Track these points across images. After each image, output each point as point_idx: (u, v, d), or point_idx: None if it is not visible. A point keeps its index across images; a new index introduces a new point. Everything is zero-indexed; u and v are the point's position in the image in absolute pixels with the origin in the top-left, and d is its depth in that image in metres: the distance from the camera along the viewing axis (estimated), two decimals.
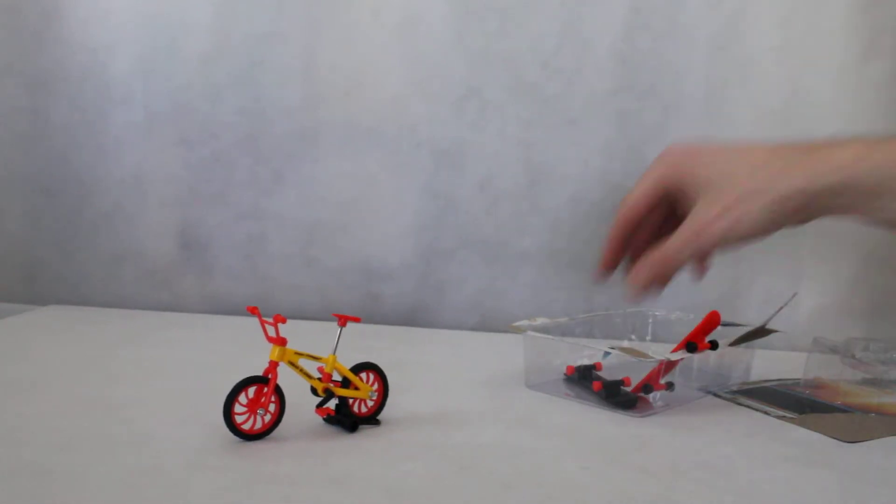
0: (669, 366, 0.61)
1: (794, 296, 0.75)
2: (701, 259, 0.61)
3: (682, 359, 0.61)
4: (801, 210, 0.53)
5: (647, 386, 0.61)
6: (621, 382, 0.61)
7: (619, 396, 0.60)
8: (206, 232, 0.95)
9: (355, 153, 0.91)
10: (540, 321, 0.67)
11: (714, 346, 0.63)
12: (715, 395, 0.64)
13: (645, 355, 0.58)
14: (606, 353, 0.63)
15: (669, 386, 0.61)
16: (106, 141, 0.94)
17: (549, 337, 0.64)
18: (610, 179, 0.88)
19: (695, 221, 0.55)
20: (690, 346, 0.62)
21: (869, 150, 0.52)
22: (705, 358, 0.65)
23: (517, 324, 0.66)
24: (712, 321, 0.65)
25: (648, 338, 0.77)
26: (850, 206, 0.53)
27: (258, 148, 0.92)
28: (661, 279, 0.57)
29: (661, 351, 0.61)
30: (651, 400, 0.61)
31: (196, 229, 0.95)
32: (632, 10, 0.85)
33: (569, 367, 0.66)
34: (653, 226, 0.61)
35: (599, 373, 0.64)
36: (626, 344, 0.74)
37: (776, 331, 0.66)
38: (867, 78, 0.82)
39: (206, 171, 0.93)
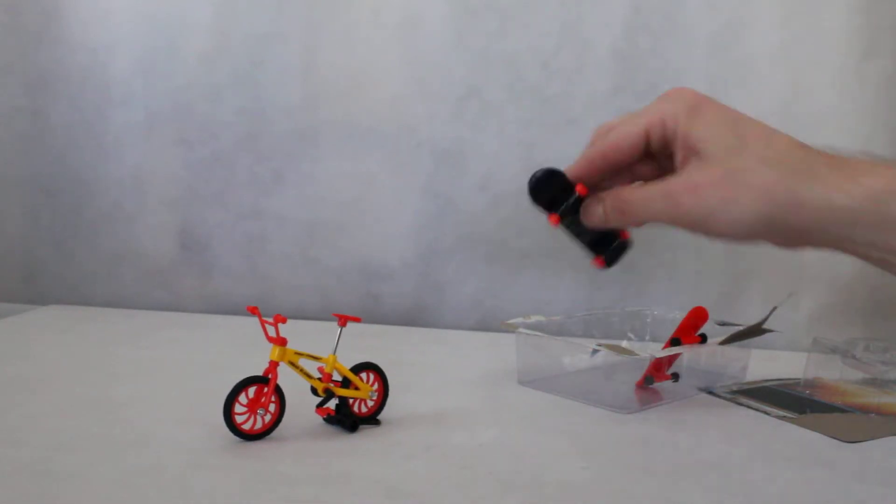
0: (658, 363, 0.62)
1: (790, 296, 0.75)
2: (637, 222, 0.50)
3: (672, 355, 0.61)
4: (802, 229, 0.43)
5: (648, 378, 0.62)
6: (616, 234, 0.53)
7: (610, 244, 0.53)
8: (206, 232, 0.95)
9: (355, 153, 0.91)
10: (535, 319, 0.67)
11: (703, 339, 0.64)
12: (715, 394, 0.64)
13: (632, 353, 0.58)
14: (595, 351, 0.63)
15: (674, 377, 0.62)
16: (106, 141, 0.94)
17: (541, 335, 0.64)
18: None
19: (675, 183, 0.45)
20: (674, 341, 0.62)
21: None
22: (698, 356, 0.66)
23: (510, 321, 0.66)
24: (698, 316, 0.65)
25: (647, 337, 0.77)
26: (865, 236, 0.43)
27: (258, 148, 0.93)
28: (616, 220, 0.50)
29: (658, 349, 0.62)
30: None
31: (196, 229, 0.95)
32: (632, 9, 0.85)
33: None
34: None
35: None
36: (624, 343, 0.75)
37: (771, 330, 0.66)
38: (867, 78, 0.82)
39: (206, 171, 0.93)
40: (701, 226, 0.45)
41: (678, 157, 0.46)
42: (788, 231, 0.43)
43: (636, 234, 0.91)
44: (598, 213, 0.50)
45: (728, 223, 0.43)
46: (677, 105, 0.47)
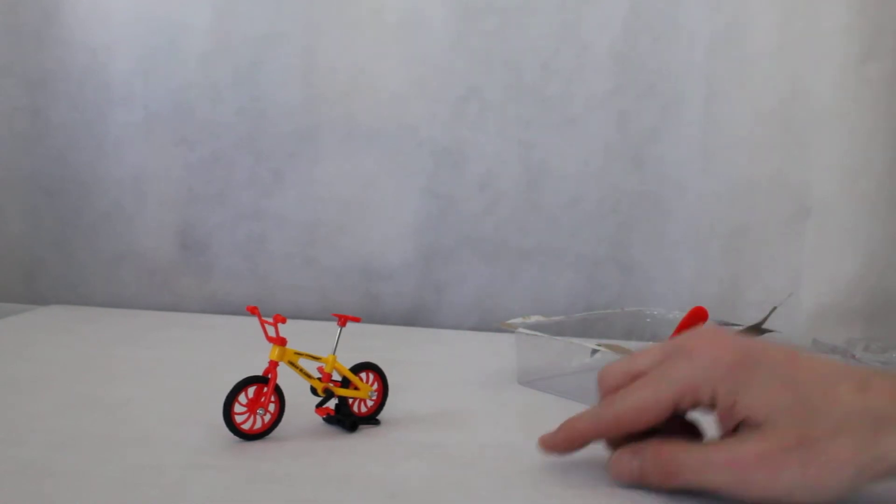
0: None
1: (789, 296, 0.75)
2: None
3: None
4: (886, 476, 0.38)
5: None
6: None
7: None
8: (206, 232, 0.95)
9: (355, 153, 0.92)
10: (534, 319, 0.67)
11: None
12: None
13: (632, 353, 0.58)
14: (594, 351, 0.63)
15: None
16: (106, 141, 0.94)
17: (540, 335, 0.64)
18: (609, 179, 0.88)
19: (743, 452, 0.39)
20: None
21: None
22: None
23: (510, 321, 0.66)
24: (697, 316, 0.65)
25: (647, 337, 0.77)
26: None
27: (258, 148, 0.93)
28: (657, 480, 0.42)
29: None
30: None
31: (196, 229, 0.95)
32: (631, 10, 0.85)
33: None
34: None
35: None
36: (624, 344, 0.74)
37: (771, 331, 0.66)
38: (866, 78, 0.82)
39: (206, 171, 0.94)
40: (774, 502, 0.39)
41: (724, 424, 0.41)
42: (871, 483, 0.38)
43: (635, 235, 0.91)
44: (631, 470, 0.43)
45: (828, 497, 0.38)
46: (712, 371, 0.40)
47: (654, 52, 0.86)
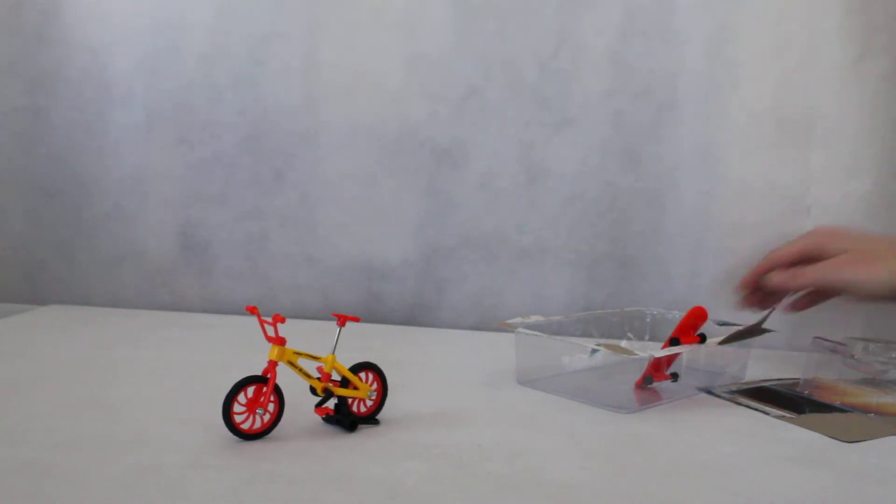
0: (657, 363, 0.62)
1: (789, 296, 0.75)
2: (816, 296, 0.74)
3: (671, 354, 0.61)
4: None
5: (647, 378, 0.62)
6: None
7: None
8: (206, 232, 0.95)
9: (355, 153, 0.92)
10: (534, 319, 0.67)
11: (702, 339, 0.64)
12: (714, 394, 0.64)
13: (631, 353, 0.58)
14: (594, 351, 0.63)
15: (673, 377, 0.62)
16: (106, 141, 0.94)
17: (540, 335, 0.64)
18: (607, 178, 0.88)
19: (836, 260, 0.69)
20: (674, 341, 0.63)
21: None
22: (697, 356, 0.66)
23: (509, 321, 0.66)
24: (697, 316, 0.65)
25: (647, 337, 0.77)
26: None
27: (259, 148, 0.93)
28: (788, 287, 0.72)
29: (657, 349, 0.62)
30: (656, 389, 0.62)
31: (196, 229, 0.95)
32: (627, 12, 0.85)
33: None
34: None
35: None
36: (623, 343, 0.75)
37: (771, 330, 0.66)
38: (862, 78, 0.82)
39: (206, 171, 0.94)
40: (855, 286, 0.67)
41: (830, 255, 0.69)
42: None
43: (632, 233, 0.91)
44: (781, 279, 0.72)
45: (875, 283, 0.66)
46: (821, 235, 0.73)
47: (649, 53, 0.86)
